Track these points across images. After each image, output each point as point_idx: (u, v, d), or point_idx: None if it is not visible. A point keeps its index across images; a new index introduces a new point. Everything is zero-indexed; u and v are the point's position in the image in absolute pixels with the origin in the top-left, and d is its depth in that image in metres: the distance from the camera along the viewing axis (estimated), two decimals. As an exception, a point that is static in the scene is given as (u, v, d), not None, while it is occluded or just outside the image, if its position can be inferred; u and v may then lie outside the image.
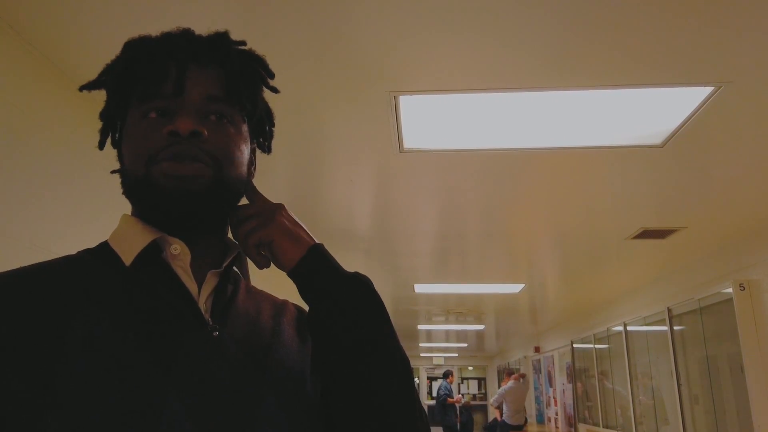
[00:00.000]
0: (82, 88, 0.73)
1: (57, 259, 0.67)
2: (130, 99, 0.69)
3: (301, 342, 0.76)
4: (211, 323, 0.66)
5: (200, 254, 0.70)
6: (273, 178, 2.86)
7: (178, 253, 0.67)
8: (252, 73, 0.73)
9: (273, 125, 0.80)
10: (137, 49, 0.69)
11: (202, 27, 0.74)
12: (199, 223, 0.68)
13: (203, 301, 0.68)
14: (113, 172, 0.73)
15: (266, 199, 0.76)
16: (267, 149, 0.80)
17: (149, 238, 0.66)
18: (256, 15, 1.62)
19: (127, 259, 0.66)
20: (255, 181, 0.77)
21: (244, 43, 0.74)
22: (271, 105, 0.80)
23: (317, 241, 0.74)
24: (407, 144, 2.47)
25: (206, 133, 0.65)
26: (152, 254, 0.67)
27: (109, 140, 0.74)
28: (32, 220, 1.67)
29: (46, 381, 0.55)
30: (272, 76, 0.76)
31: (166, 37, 0.70)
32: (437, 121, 2.27)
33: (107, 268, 0.66)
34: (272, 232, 0.71)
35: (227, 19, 1.64)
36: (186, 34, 0.71)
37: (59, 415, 0.54)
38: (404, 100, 2.10)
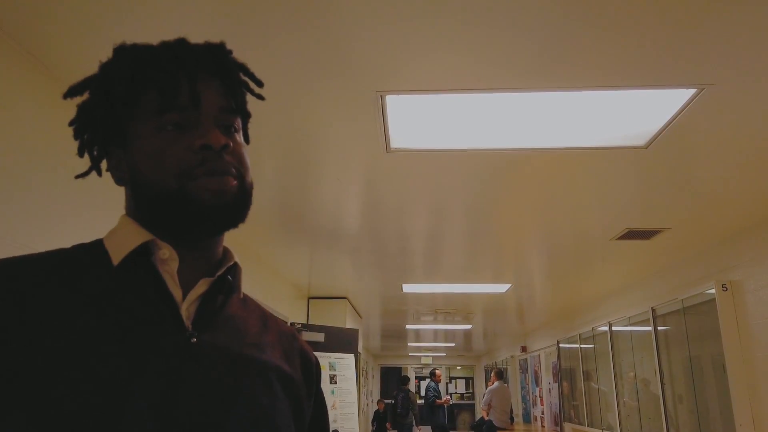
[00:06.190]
0: (66, 95, 0.72)
1: (49, 251, 0.68)
2: (133, 109, 0.69)
3: (290, 368, 0.76)
4: (190, 329, 0.67)
5: (194, 260, 0.70)
6: (260, 178, 2.86)
7: (167, 257, 0.67)
8: (244, 83, 0.76)
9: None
10: (142, 58, 0.70)
11: (193, 29, 0.74)
12: (224, 231, 0.71)
13: (186, 306, 0.68)
14: (78, 176, 0.74)
15: None
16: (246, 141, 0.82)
17: (139, 240, 0.67)
18: (244, 16, 1.62)
19: (116, 258, 0.67)
20: None
21: (231, 52, 0.76)
22: (258, 105, 0.82)
23: None
24: (394, 144, 2.48)
25: (232, 144, 0.68)
26: (142, 256, 0.67)
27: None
28: (14, 217, 1.66)
29: (16, 370, 0.56)
30: (261, 84, 0.78)
31: (169, 46, 0.71)
32: (424, 120, 2.28)
33: (96, 265, 0.67)
34: None
35: (216, 21, 1.63)
36: (185, 45, 0.72)
37: (25, 404, 0.55)
38: (391, 100, 2.11)
